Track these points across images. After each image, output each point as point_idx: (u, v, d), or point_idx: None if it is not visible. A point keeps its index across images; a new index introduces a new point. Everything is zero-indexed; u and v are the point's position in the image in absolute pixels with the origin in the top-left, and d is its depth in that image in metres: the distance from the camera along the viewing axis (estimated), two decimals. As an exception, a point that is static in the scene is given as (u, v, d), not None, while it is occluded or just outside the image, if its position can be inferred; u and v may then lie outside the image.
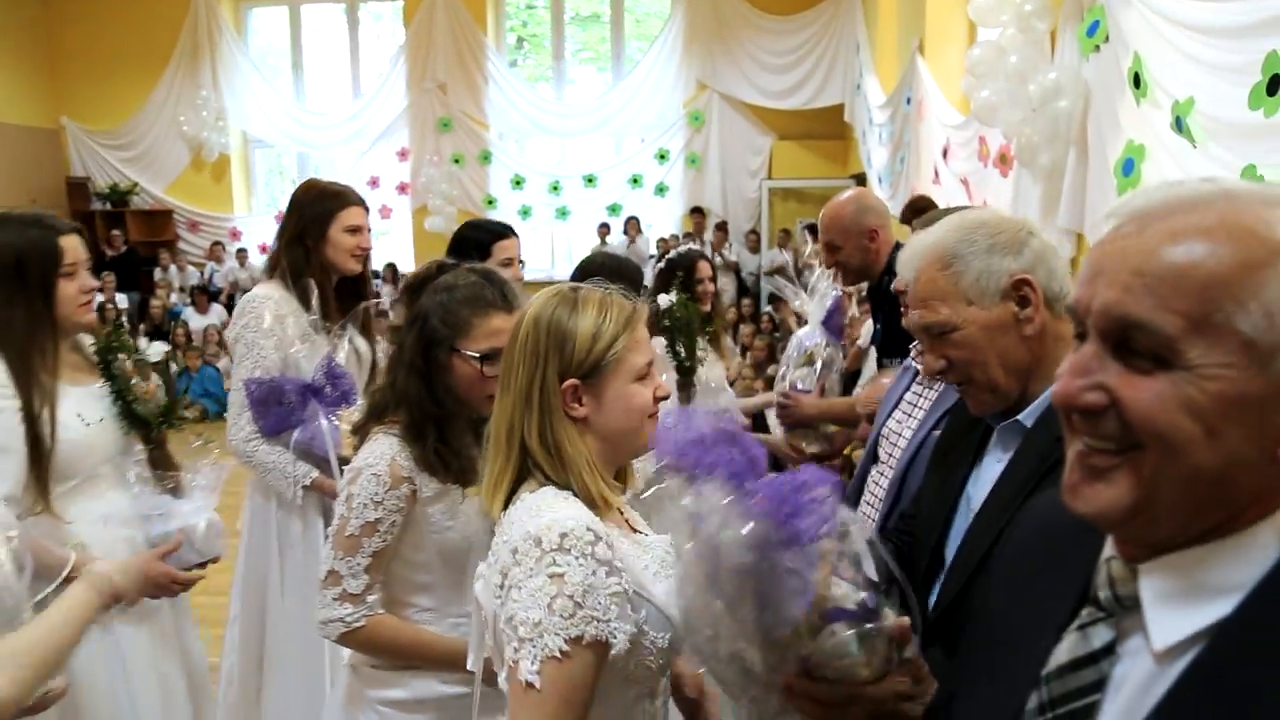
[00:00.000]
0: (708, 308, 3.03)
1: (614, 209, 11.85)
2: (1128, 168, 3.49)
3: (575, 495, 1.31)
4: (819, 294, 3.28)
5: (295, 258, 2.64)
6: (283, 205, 11.48)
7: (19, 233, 2.08)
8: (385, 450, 1.73)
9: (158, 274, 11.23)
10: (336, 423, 2.44)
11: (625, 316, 1.34)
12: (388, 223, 11.90)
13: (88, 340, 2.28)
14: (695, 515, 1.10)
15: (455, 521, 1.75)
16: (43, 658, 1.47)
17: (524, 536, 1.24)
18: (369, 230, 2.73)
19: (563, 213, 11.89)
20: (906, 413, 2.00)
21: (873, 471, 2.06)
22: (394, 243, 11.73)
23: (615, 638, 1.22)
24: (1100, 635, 0.76)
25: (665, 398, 1.39)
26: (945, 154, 6.75)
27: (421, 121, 11.71)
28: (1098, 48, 3.76)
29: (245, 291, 11.53)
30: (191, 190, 12.20)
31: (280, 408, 2.41)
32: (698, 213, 11.52)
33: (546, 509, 1.27)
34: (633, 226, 11.38)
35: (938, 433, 1.84)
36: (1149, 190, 0.76)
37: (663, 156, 11.93)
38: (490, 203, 11.86)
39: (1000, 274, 1.39)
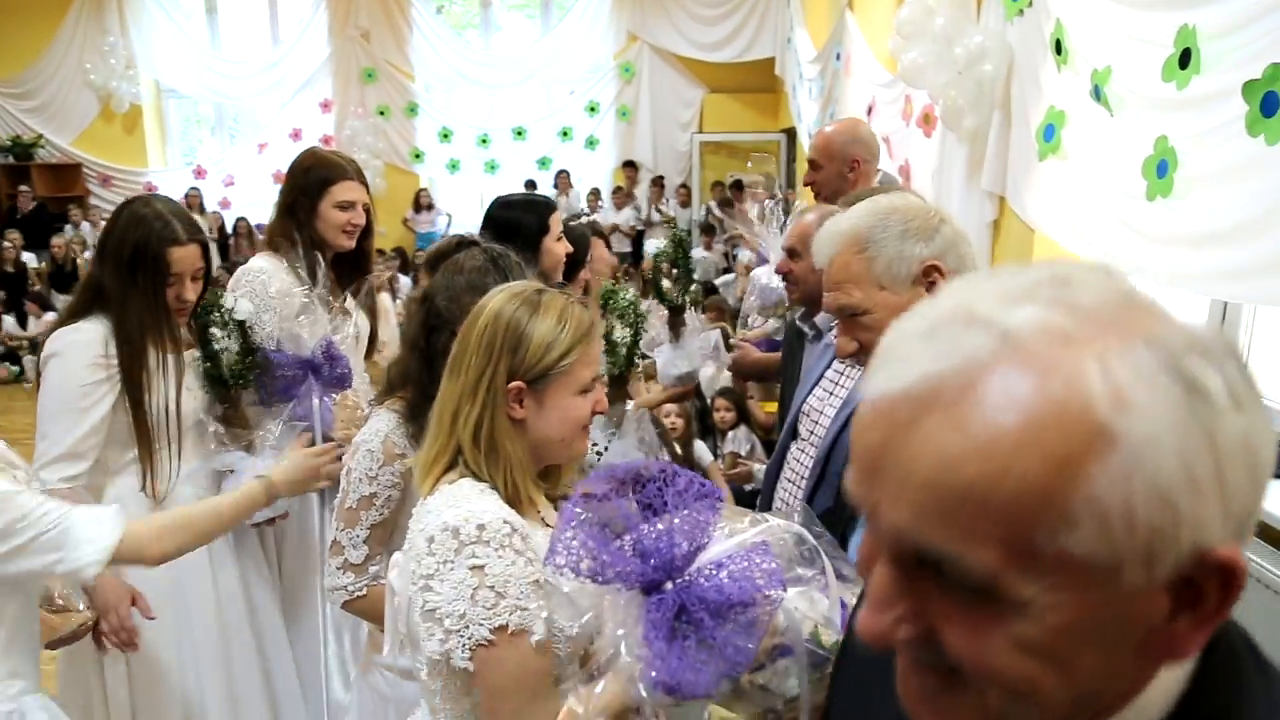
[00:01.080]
0: (609, 279, 3.03)
1: (544, 162, 11.72)
2: (1049, 133, 3.57)
3: (494, 489, 1.33)
4: (772, 225, 3.12)
5: (285, 230, 2.60)
6: (200, 158, 11.01)
7: (143, 228, 2.18)
8: (381, 427, 1.78)
9: (68, 231, 10.72)
10: (330, 404, 2.46)
11: (583, 330, 1.37)
12: (311, 176, 11.56)
13: None
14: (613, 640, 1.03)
15: None
16: (200, 530, 1.85)
17: (440, 527, 1.27)
18: (365, 206, 2.68)
19: (491, 166, 11.71)
20: (828, 390, 2.03)
21: (793, 447, 2.09)
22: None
23: (535, 627, 1.25)
24: None
25: (603, 412, 1.43)
26: (870, 111, 6.81)
27: (345, 71, 11.36)
28: (1021, 12, 3.81)
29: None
30: (101, 143, 11.66)
31: (279, 380, 2.42)
32: (630, 166, 11.46)
33: (463, 500, 1.30)
34: (563, 180, 11.28)
35: None
36: (898, 347, 0.57)
37: (593, 109, 11.80)
38: (417, 156, 11.62)
39: (912, 259, 1.43)
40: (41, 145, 11.50)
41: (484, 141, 11.71)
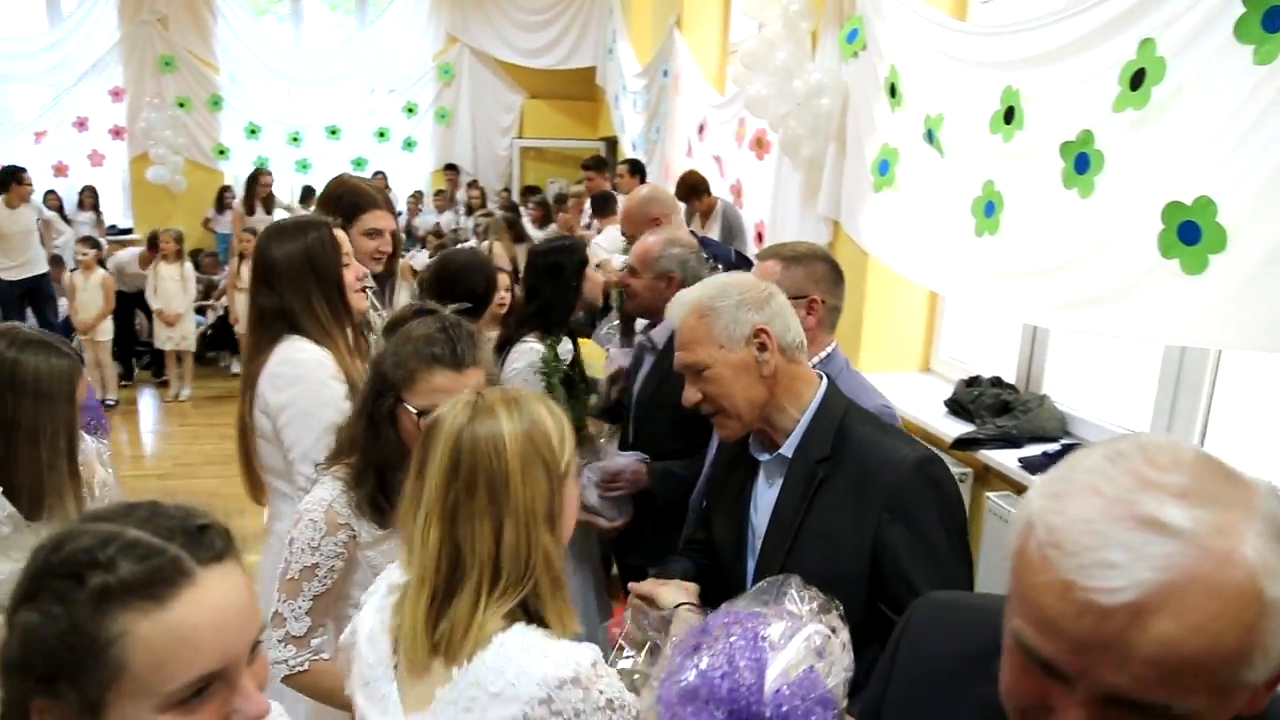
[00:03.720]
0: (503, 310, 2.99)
1: (359, 163, 11.36)
2: (883, 168, 3.93)
3: (544, 627, 1.28)
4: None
5: None
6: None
7: (302, 236, 2.29)
8: (325, 496, 1.74)
9: None
10: None
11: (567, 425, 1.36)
12: (99, 170, 10.67)
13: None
14: None
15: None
16: None
17: (554, 683, 1.21)
18: (392, 232, 2.79)
19: (304, 165, 11.22)
20: None
21: None
22: (106, 194, 10.51)
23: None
24: None
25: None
26: (701, 130, 7.13)
27: (139, 58, 10.55)
28: (856, 54, 4.15)
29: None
30: None
31: None
32: (451, 169, 11.34)
33: (548, 644, 1.25)
34: (380, 181, 10.99)
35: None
36: (1094, 550, 0.72)
37: (411, 110, 11.57)
38: (221, 153, 10.98)
39: (745, 324, 1.72)
40: None
41: (295, 139, 11.20)
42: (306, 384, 2.18)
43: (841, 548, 1.63)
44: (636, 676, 1.43)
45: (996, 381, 3.55)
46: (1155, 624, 0.69)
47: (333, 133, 11.32)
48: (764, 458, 1.77)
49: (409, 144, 11.62)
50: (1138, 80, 2.47)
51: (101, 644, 0.81)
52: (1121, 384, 3.19)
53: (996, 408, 3.34)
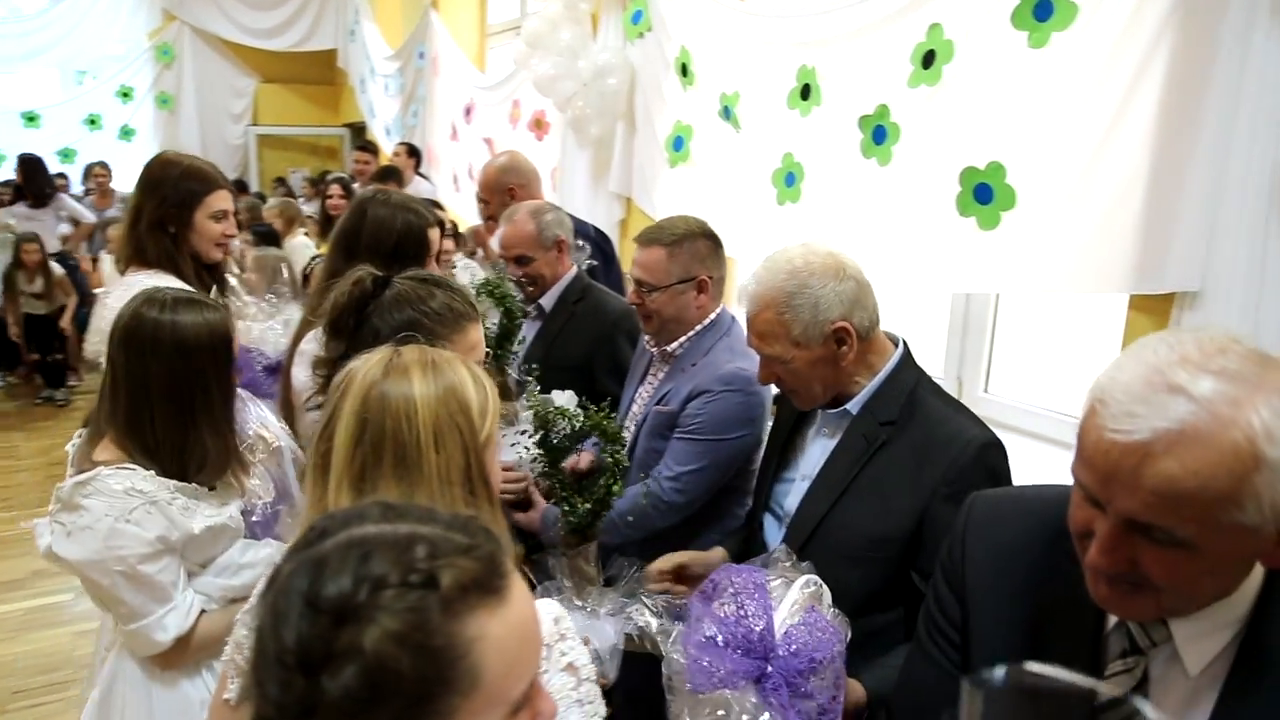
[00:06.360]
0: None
1: (67, 154, 10.17)
2: (678, 144, 4.09)
3: None
4: None
5: (164, 247, 2.39)
6: None
7: (403, 213, 2.30)
8: None
9: None
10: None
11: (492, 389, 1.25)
12: None
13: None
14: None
15: None
16: None
17: None
18: (234, 214, 2.53)
19: (-3, 157, 9.88)
20: (649, 389, 2.30)
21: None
22: None
23: None
24: (1141, 667, 1.02)
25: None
26: (468, 112, 7.03)
27: None
28: (642, 35, 4.28)
29: None
30: None
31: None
32: (179, 159, 10.40)
33: None
34: (101, 173, 9.88)
35: (660, 407, 2.17)
36: (1125, 404, 0.90)
37: (126, 95, 10.49)
38: (-113, 143, 9.41)
39: (824, 324, 1.66)
40: None
41: (-17, 128, 9.82)
42: None
43: (890, 510, 1.63)
44: (658, 637, 1.44)
45: (799, 341, 3.82)
46: (1160, 463, 0.87)
47: (30, 120, 10.03)
48: (826, 410, 1.77)
49: (126, 132, 10.54)
50: (929, 60, 2.75)
51: (459, 653, 0.69)
52: (913, 333, 3.54)
53: (805, 364, 3.60)
